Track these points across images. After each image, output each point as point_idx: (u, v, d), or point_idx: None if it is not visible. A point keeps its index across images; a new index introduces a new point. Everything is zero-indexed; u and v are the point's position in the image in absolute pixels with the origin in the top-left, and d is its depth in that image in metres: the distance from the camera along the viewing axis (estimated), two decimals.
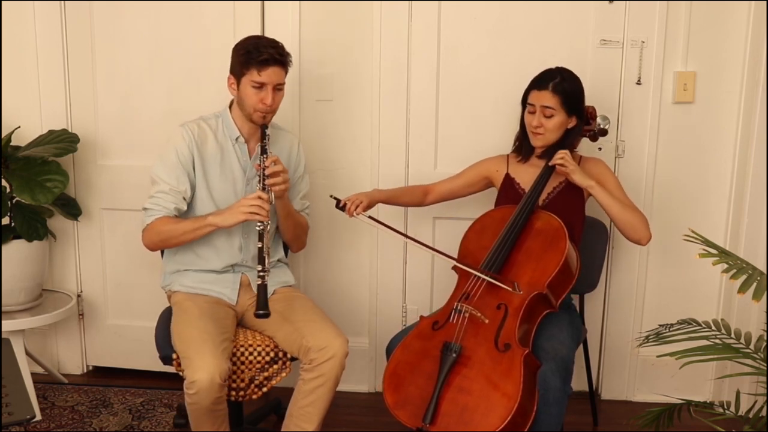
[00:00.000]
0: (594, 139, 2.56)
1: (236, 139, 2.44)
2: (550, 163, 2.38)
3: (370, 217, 2.44)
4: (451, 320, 2.25)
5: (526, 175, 2.50)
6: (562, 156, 2.34)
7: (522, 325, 2.19)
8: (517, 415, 2.03)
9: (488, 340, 2.17)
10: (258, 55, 2.29)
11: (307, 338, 2.28)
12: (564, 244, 2.26)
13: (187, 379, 2.15)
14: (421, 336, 2.28)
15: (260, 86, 2.32)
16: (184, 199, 2.39)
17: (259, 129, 2.39)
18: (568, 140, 2.44)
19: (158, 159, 2.41)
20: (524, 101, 2.46)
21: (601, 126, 2.58)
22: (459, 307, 2.25)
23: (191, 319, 2.31)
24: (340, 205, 2.42)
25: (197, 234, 2.34)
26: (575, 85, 2.42)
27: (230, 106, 2.47)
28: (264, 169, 2.28)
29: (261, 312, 2.16)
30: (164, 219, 2.35)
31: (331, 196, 2.44)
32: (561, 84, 2.38)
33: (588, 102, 2.55)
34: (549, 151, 2.44)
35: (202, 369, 2.12)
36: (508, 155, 2.60)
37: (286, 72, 2.38)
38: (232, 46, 2.39)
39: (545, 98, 2.38)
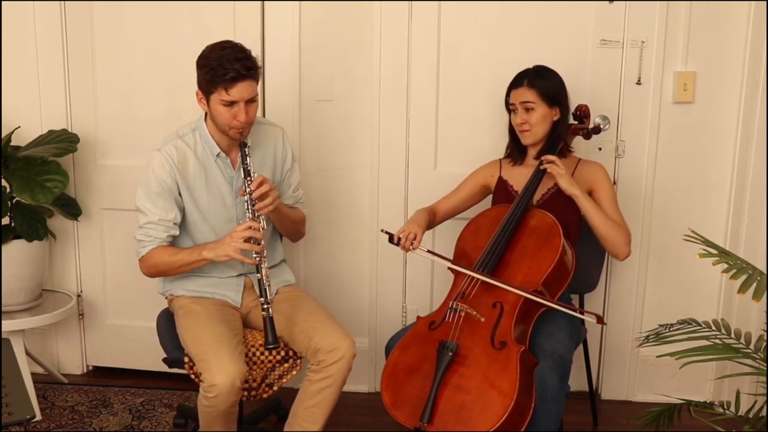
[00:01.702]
0: (587, 137, 2.56)
1: (217, 155, 2.36)
2: (541, 167, 2.38)
3: (429, 251, 2.39)
4: (447, 319, 2.26)
5: (519, 177, 2.50)
6: (552, 159, 2.35)
7: (518, 323, 2.20)
8: (513, 413, 2.04)
9: (484, 339, 2.17)
10: (224, 72, 2.14)
11: (316, 339, 2.26)
12: (558, 241, 2.27)
13: (206, 382, 2.12)
14: (418, 336, 2.28)
15: (231, 104, 2.19)
16: (175, 224, 2.35)
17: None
18: (557, 133, 2.45)
19: (141, 188, 2.33)
20: (507, 105, 2.49)
21: (601, 126, 2.58)
22: (454, 306, 2.25)
23: (202, 322, 2.29)
24: (395, 241, 2.34)
25: (193, 267, 2.32)
26: (550, 76, 2.44)
27: (205, 119, 2.36)
28: (250, 194, 2.20)
29: (271, 346, 2.15)
30: (159, 250, 2.32)
31: (382, 231, 2.36)
32: (535, 78, 2.42)
33: (588, 102, 2.56)
34: (543, 152, 2.45)
35: (223, 372, 2.10)
36: (500, 160, 2.61)
37: (257, 81, 2.24)
38: None
39: (523, 94, 2.41)
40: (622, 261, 2.42)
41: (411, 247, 2.33)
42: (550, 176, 2.40)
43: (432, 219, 2.55)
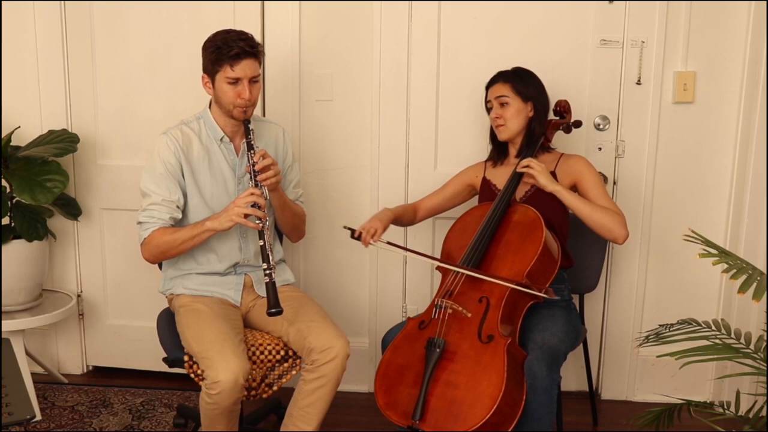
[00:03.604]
0: (568, 131, 2.59)
1: (221, 139, 2.41)
2: (517, 170, 2.40)
3: (388, 242, 2.41)
4: (434, 317, 2.27)
5: (502, 177, 2.52)
6: (527, 164, 2.37)
7: (505, 317, 2.21)
8: (503, 404, 2.04)
9: (472, 334, 2.19)
10: (228, 50, 2.25)
11: (310, 339, 2.27)
12: (540, 232, 2.29)
13: (209, 379, 2.13)
14: (409, 336, 2.30)
15: (235, 81, 2.28)
16: (178, 207, 2.37)
17: (242, 125, 2.36)
18: (531, 129, 2.48)
19: (146, 171, 2.38)
20: (486, 104, 2.54)
21: (601, 126, 2.58)
22: (440, 303, 2.27)
23: (205, 320, 2.30)
24: (356, 236, 2.38)
25: (196, 241, 2.31)
26: (526, 75, 2.50)
27: (210, 106, 2.44)
28: (253, 166, 2.26)
29: (274, 310, 2.15)
30: (161, 230, 2.33)
31: (344, 227, 2.40)
32: (511, 75, 2.48)
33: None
34: (522, 149, 2.49)
35: (226, 369, 2.11)
36: (485, 161, 2.64)
37: (260, 63, 2.34)
38: None
39: (498, 89, 2.48)
40: (622, 244, 2.40)
41: (372, 241, 2.37)
42: (529, 174, 2.42)
43: (412, 216, 2.63)
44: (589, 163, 2.49)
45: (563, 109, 2.57)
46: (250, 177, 2.27)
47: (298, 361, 2.37)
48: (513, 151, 2.55)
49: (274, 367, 2.36)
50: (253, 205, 2.22)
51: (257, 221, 2.22)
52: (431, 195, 2.67)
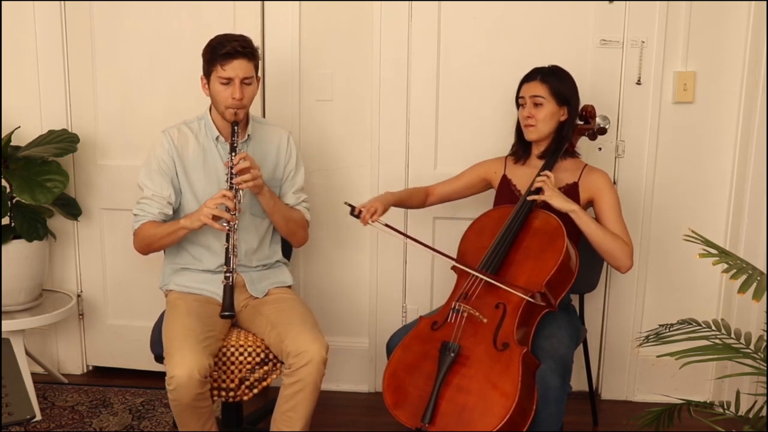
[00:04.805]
0: (593, 137, 2.57)
1: (216, 138, 2.45)
2: (532, 188, 2.34)
3: (386, 225, 2.39)
4: (449, 320, 2.25)
5: (523, 177, 2.49)
6: (543, 180, 2.32)
7: (521, 324, 2.19)
8: (515, 414, 2.04)
9: (486, 340, 2.17)
10: (221, 49, 2.29)
11: (286, 342, 2.26)
12: (562, 242, 2.26)
13: (167, 375, 2.15)
14: (420, 336, 2.28)
15: (228, 82, 2.31)
16: (170, 204, 2.42)
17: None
18: (562, 134, 2.44)
19: (144, 166, 2.45)
20: (517, 99, 2.48)
21: (601, 125, 2.58)
22: (457, 307, 2.25)
23: (179, 316, 2.32)
24: (355, 213, 2.36)
25: (173, 237, 2.36)
26: (564, 76, 2.44)
27: (210, 108, 2.47)
28: (231, 167, 2.28)
29: (226, 313, 2.19)
30: (149, 224, 2.39)
31: (345, 203, 2.38)
32: (549, 74, 2.42)
33: (588, 102, 2.55)
34: (547, 152, 2.44)
35: (181, 365, 2.12)
36: (506, 157, 2.59)
37: (255, 65, 2.36)
38: None
39: (534, 88, 2.41)
40: (624, 274, 2.41)
41: (370, 221, 2.35)
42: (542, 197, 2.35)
43: (422, 200, 2.62)
44: (610, 182, 2.45)
45: (589, 114, 2.52)
46: (227, 179, 2.29)
47: (279, 365, 2.36)
48: (536, 151, 2.49)
49: (253, 369, 2.35)
50: (225, 207, 2.24)
51: (224, 224, 2.24)
52: (445, 182, 2.65)
